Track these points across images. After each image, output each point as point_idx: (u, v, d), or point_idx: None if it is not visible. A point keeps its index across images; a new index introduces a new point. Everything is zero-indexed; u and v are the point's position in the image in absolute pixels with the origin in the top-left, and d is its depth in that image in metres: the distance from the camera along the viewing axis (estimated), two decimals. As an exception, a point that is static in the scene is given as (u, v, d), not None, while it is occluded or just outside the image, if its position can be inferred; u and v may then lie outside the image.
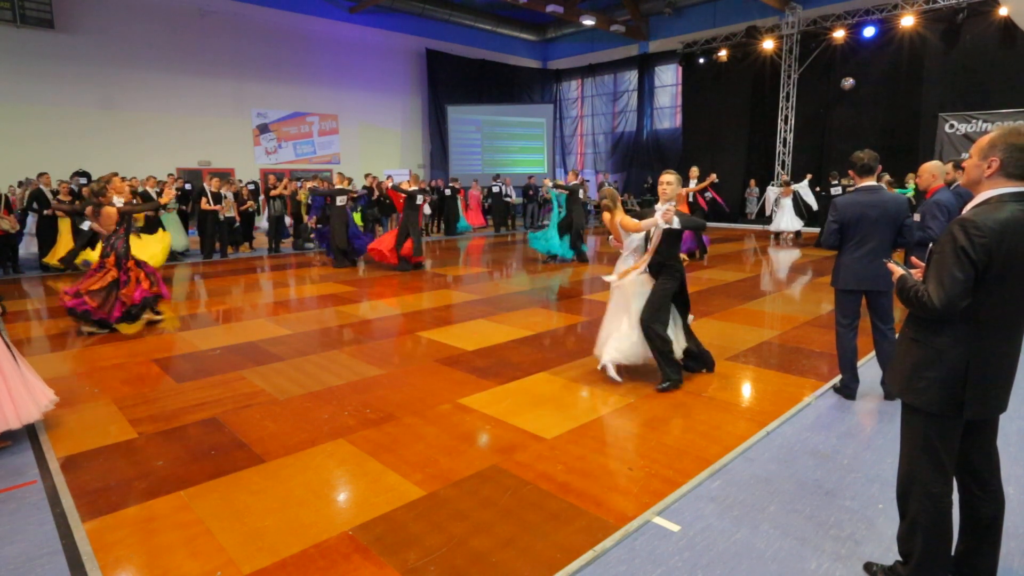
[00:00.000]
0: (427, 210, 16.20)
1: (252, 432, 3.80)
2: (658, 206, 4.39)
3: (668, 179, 4.41)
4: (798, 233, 14.17)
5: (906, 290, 2.09)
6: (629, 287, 4.56)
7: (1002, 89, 13.15)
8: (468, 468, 3.30)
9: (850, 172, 4.15)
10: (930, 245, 2.14)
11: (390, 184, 11.40)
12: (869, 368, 4.65)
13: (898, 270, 2.21)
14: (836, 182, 12.68)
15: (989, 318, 1.98)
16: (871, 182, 4.03)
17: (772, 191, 15.07)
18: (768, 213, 16.71)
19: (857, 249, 3.99)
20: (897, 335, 2.51)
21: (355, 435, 3.74)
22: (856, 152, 4.05)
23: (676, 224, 4.25)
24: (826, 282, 8.96)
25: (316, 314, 7.24)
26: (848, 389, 4.29)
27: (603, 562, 2.49)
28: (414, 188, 10.44)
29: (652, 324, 4.35)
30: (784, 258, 11.93)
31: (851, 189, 4.21)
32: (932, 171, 4.61)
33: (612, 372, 4.54)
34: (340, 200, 11.03)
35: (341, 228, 11.07)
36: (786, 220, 13.90)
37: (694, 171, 11.61)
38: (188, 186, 12.80)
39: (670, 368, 4.42)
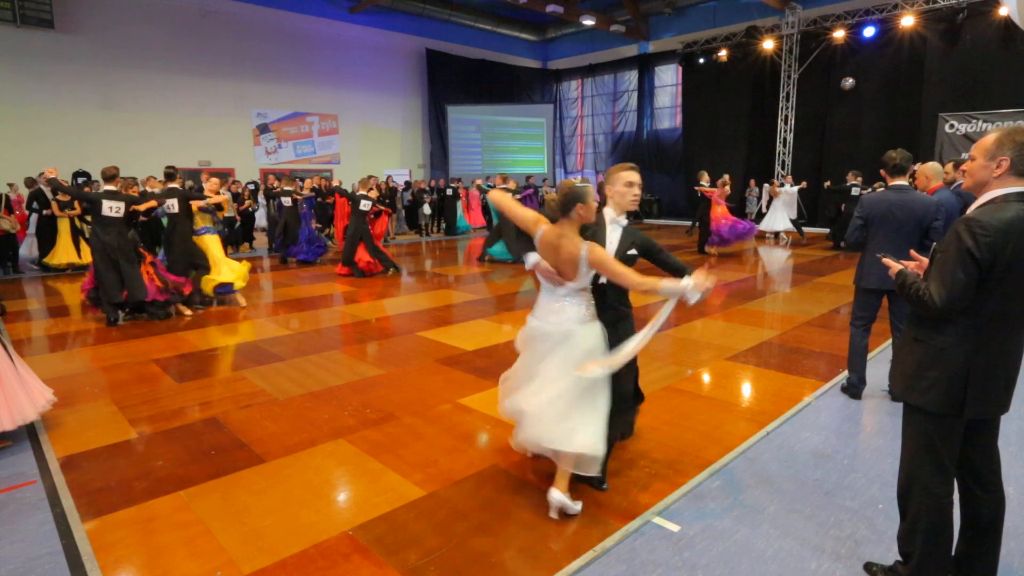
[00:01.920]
0: (427, 210, 16.19)
1: (252, 432, 3.79)
2: (613, 214, 2.94)
3: (635, 178, 2.91)
4: (800, 231, 14.21)
5: (906, 287, 2.09)
6: (575, 336, 2.80)
7: (1002, 89, 13.15)
8: (468, 468, 3.30)
9: (882, 171, 4.12)
10: (933, 244, 2.13)
11: (333, 185, 10.59)
12: (873, 368, 4.64)
13: (895, 265, 2.21)
14: (853, 183, 12.56)
15: (992, 317, 1.98)
16: (902, 182, 3.99)
17: (765, 189, 15.49)
18: (750, 210, 16.94)
19: (881, 248, 3.84)
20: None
21: (355, 435, 3.74)
22: (889, 151, 4.02)
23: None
24: (826, 282, 8.98)
25: (316, 314, 7.24)
26: (854, 388, 4.30)
27: (603, 562, 2.49)
28: (361, 192, 9.80)
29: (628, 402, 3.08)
30: (783, 258, 11.93)
31: (878, 187, 4.19)
32: (927, 173, 4.61)
33: (561, 500, 2.77)
34: (286, 201, 11.59)
35: (290, 226, 11.60)
36: (770, 219, 14.24)
37: (726, 178, 12.27)
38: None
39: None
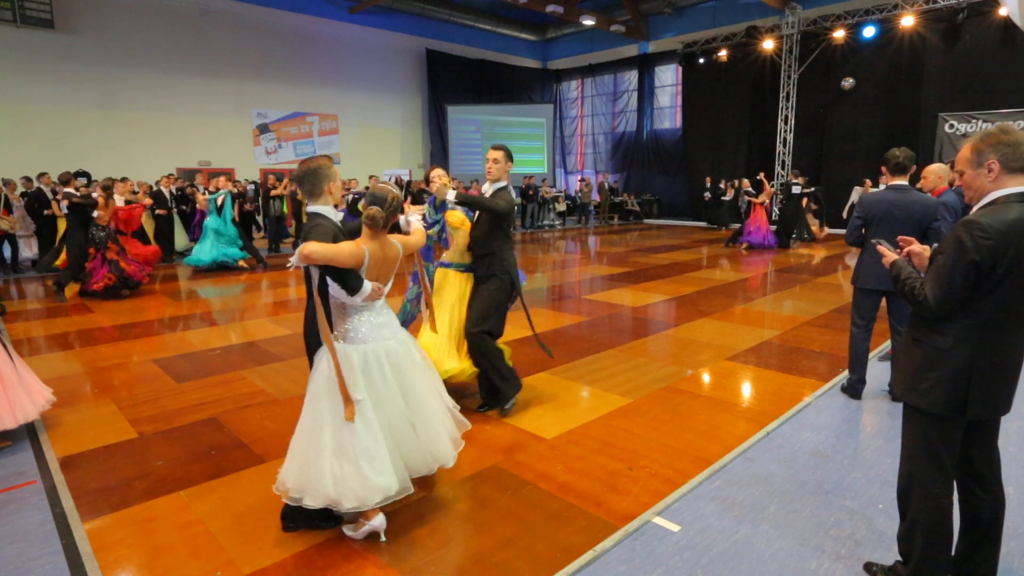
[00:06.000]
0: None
1: (252, 432, 3.79)
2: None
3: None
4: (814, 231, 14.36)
5: (901, 280, 2.09)
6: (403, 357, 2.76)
7: (1002, 89, 13.15)
8: (468, 468, 3.30)
9: (882, 168, 4.09)
10: (935, 245, 2.13)
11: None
12: (873, 368, 4.64)
13: (890, 254, 2.21)
14: (795, 181, 13.08)
15: (993, 318, 1.98)
16: (902, 181, 3.96)
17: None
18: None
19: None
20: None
21: (355, 435, 3.73)
22: (892, 149, 3.99)
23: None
24: (826, 282, 8.98)
25: (316, 314, 7.23)
26: (855, 389, 4.29)
27: (603, 562, 2.49)
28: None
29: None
30: (783, 258, 11.93)
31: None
32: (938, 173, 4.59)
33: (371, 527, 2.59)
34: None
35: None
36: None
37: (764, 175, 13.18)
38: (188, 187, 12.79)
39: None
